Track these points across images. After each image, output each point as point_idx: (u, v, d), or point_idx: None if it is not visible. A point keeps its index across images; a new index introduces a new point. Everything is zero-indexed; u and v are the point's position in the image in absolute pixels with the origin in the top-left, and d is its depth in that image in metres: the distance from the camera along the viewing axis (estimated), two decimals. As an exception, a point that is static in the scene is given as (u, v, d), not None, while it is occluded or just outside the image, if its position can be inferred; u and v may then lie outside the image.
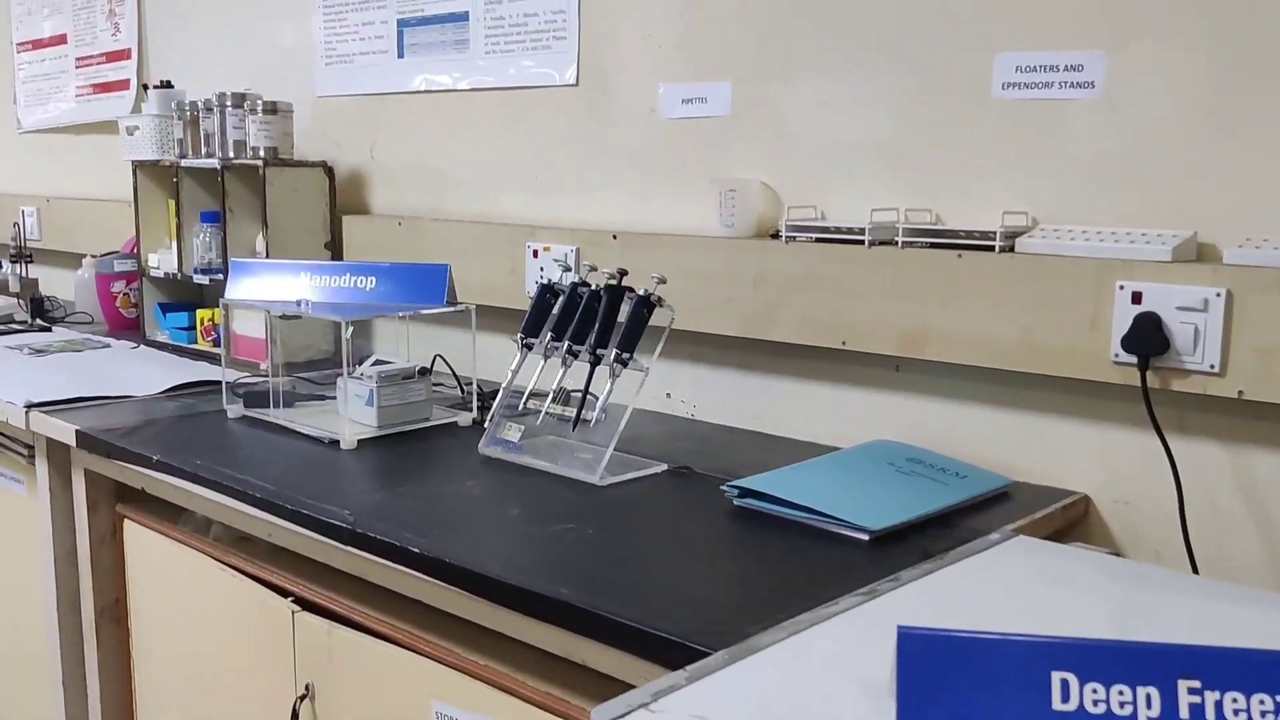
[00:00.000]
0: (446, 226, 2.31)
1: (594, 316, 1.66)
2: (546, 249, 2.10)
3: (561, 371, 1.67)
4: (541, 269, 2.11)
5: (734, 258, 1.83)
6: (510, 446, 1.69)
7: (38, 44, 3.62)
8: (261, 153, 2.40)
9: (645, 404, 2.00)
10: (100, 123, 3.36)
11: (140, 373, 2.33)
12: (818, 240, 1.75)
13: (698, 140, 1.96)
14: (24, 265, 2.93)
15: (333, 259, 2.51)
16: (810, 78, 1.80)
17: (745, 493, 1.46)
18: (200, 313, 2.63)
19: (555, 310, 1.71)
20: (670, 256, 1.90)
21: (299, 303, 1.87)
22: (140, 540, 1.91)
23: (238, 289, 1.96)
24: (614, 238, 2.00)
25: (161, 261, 2.69)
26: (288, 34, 2.72)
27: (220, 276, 2.51)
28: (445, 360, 2.03)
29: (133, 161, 2.70)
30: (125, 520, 1.95)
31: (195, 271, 2.59)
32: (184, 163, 2.56)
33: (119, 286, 2.94)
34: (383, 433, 1.82)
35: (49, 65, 3.56)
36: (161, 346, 2.67)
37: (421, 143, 2.43)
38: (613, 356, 1.60)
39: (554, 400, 1.67)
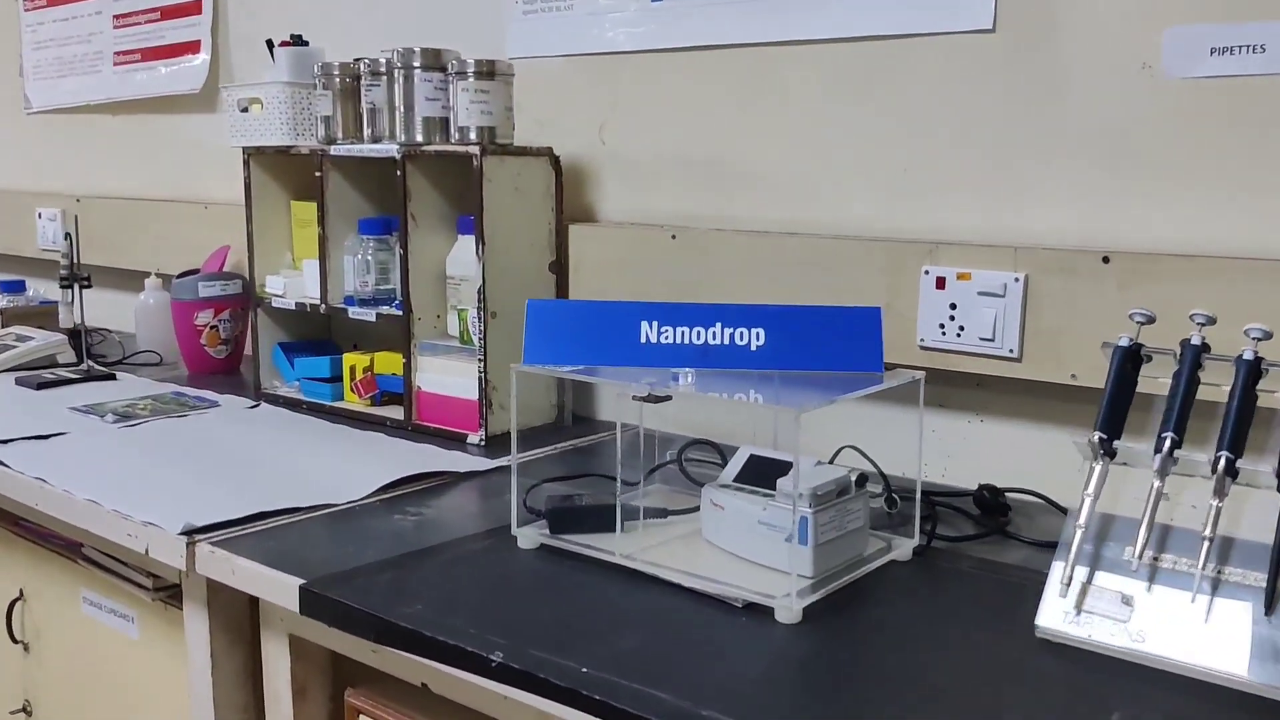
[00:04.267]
0: (763, 243, 1.60)
1: (1254, 407, 0.98)
2: (964, 277, 1.40)
3: (1214, 507, 0.98)
4: (953, 307, 1.41)
5: (1375, 297, 1.15)
6: (1118, 626, 0.99)
7: (56, 0, 2.83)
8: (473, 134, 1.67)
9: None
10: (148, 99, 2.59)
11: (305, 455, 1.59)
12: None
13: (1243, 112, 1.28)
14: (78, 291, 2.16)
15: (557, 289, 1.78)
16: None
17: None
18: (350, 359, 1.89)
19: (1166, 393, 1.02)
20: (1223, 292, 1.22)
21: (674, 377, 1.16)
22: (394, 753, 1.19)
23: (541, 345, 1.23)
24: (1104, 261, 1.31)
25: (288, 287, 1.95)
26: (458, -27, 1.99)
27: (394, 309, 1.78)
28: (866, 456, 1.32)
29: (245, 149, 1.95)
30: (362, 717, 1.22)
31: (351, 303, 1.85)
32: (334, 150, 1.82)
33: (205, 317, 2.19)
34: (823, 593, 1.12)
35: (73, 26, 2.77)
36: (291, 405, 1.93)
37: (688, 121, 1.72)
38: (1354, 486, 0.91)
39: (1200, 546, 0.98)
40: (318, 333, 2.09)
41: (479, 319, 1.66)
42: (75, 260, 2.14)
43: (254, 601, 1.31)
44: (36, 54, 2.91)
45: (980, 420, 1.47)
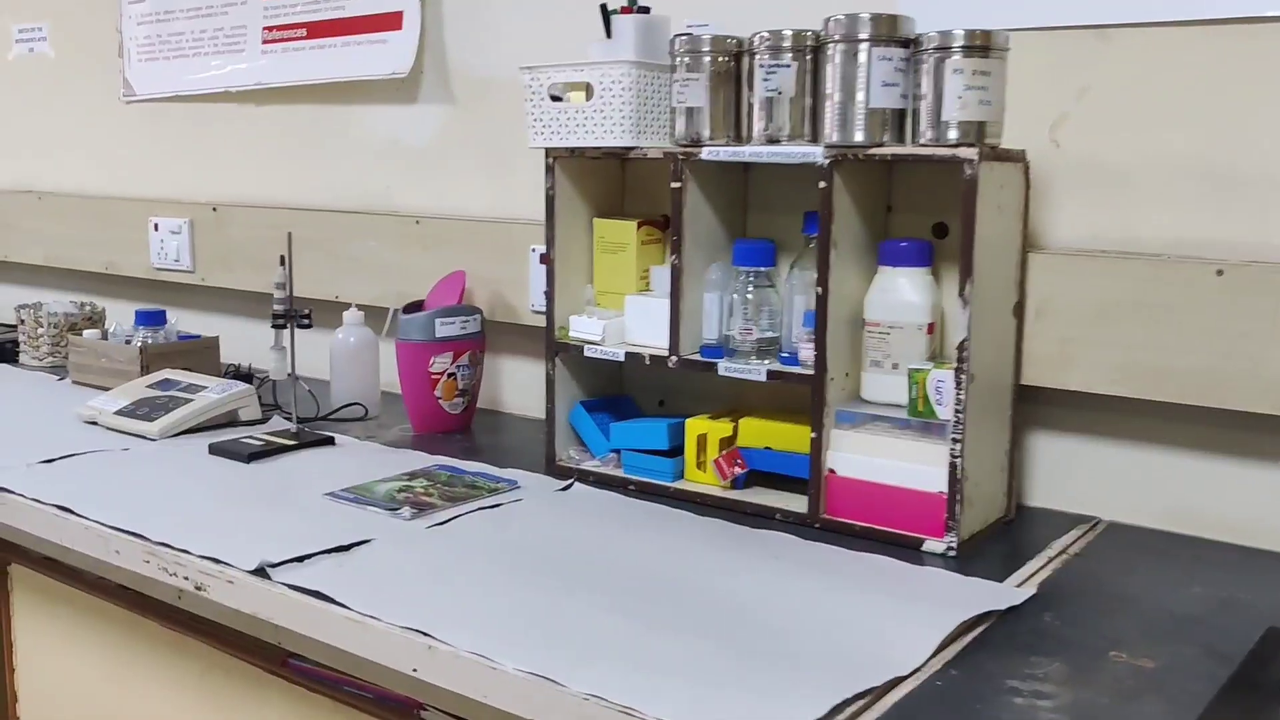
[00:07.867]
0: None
1: None
2: None
3: None
4: None
5: None
6: None
7: (174, -36, 2.32)
8: (953, 132, 1.22)
9: None
10: (307, 87, 2.09)
11: (746, 577, 1.13)
12: None
13: None
14: (291, 331, 1.67)
15: (1016, 341, 1.34)
16: None
17: None
18: (698, 426, 1.43)
19: None
20: None
21: None
22: None
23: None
24: None
25: (607, 332, 1.48)
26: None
27: (787, 366, 1.33)
28: None
29: (549, 151, 1.48)
30: None
31: (716, 355, 1.39)
32: (706, 154, 1.36)
33: (442, 363, 1.72)
34: None
35: (199, -3, 2.27)
36: (607, 483, 1.47)
37: (1212, 117, 1.28)
38: None
39: None
40: (608, 387, 1.62)
41: (957, 384, 1.22)
42: (290, 289, 1.65)
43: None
44: (142, 29, 2.39)
45: None
